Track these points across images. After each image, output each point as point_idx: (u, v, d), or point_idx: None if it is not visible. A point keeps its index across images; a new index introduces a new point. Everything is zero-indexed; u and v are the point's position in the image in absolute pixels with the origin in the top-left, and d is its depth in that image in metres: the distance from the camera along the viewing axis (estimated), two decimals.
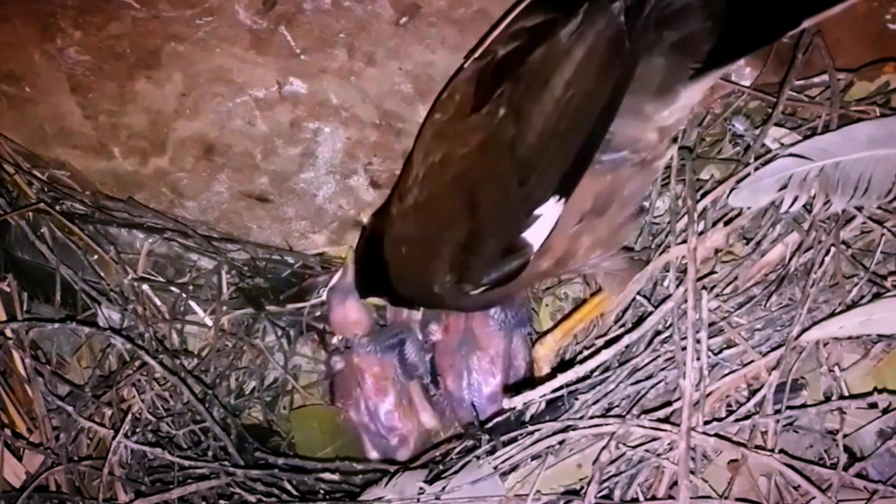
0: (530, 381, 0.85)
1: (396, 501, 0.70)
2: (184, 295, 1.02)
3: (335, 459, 0.89)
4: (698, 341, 0.63)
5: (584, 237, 0.71)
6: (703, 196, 0.75)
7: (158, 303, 1.00)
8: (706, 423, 0.63)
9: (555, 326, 0.83)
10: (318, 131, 0.96)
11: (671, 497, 0.62)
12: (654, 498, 0.64)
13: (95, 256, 0.98)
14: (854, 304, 0.65)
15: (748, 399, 0.65)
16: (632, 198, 0.71)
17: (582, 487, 0.66)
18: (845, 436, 0.62)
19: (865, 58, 0.80)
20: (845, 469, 0.60)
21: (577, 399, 0.73)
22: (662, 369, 0.71)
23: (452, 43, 0.88)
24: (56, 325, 0.86)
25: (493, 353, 0.92)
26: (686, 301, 0.64)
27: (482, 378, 0.92)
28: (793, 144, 0.71)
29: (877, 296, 0.66)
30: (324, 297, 0.98)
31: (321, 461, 0.87)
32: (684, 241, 0.69)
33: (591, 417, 0.68)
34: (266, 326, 1.04)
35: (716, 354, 0.68)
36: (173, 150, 0.98)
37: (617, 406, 0.72)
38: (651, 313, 0.70)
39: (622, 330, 0.76)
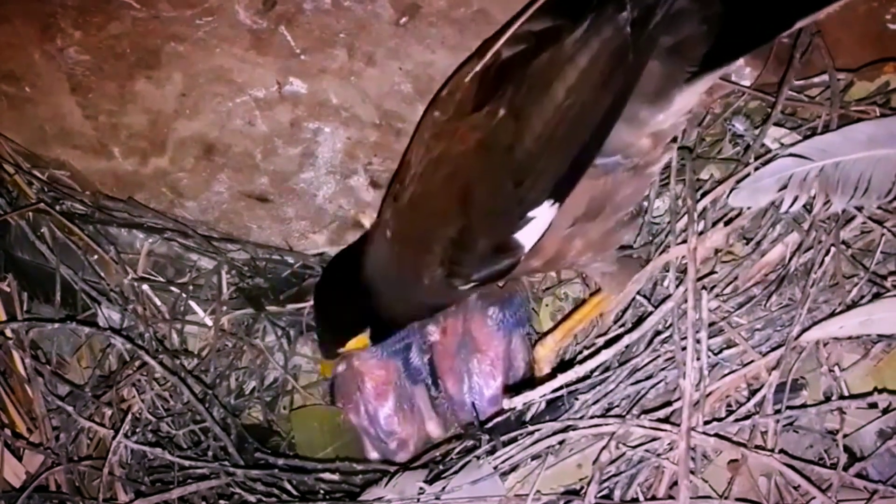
0: (530, 382, 0.85)
1: (396, 501, 0.70)
2: (184, 295, 1.02)
3: (335, 459, 0.89)
4: (698, 341, 0.63)
5: (576, 240, 0.71)
6: (702, 196, 0.75)
7: (158, 303, 1.00)
8: (706, 423, 0.63)
9: (555, 327, 0.83)
10: (318, 131, 0.95)
11: (671, 497, 0.63)
12: (654, 498, 0.64)
13: (95, 256, 0.98)
14: (854, 304, 0.65)
15: (748, 399, 0.65)
16: (625, 203, 0.71)
17: (582, 487, 0.66)
18: (845, 436, 0.62)
19: (865, 58, 0.80)
20: (845, 469, 0.61)
21: (577, 399, 0.74)
22: (662, 369, 0.71)
23: (452, 43, 0.88)
24: (56, 325, 0.86)
25: (492, 355, 0.92)
26: (686, 301, 0.64)
27: (483, 381, 0.92)
28: (793, 144, 0.71)
29: (877, 296, 0.66)
30: None
31: (321, 461, 0.88)
32: (684, 241, 0.69)
33: (591, 417, 0.69)
34: (266, 326, 1.04)
35: (716, 354, 0.68)
36: (173, 150, 0.98)
37: (617, 406, 0.72)
38: (651, 313, 0.70)
39: (622, 330, 0.76)
